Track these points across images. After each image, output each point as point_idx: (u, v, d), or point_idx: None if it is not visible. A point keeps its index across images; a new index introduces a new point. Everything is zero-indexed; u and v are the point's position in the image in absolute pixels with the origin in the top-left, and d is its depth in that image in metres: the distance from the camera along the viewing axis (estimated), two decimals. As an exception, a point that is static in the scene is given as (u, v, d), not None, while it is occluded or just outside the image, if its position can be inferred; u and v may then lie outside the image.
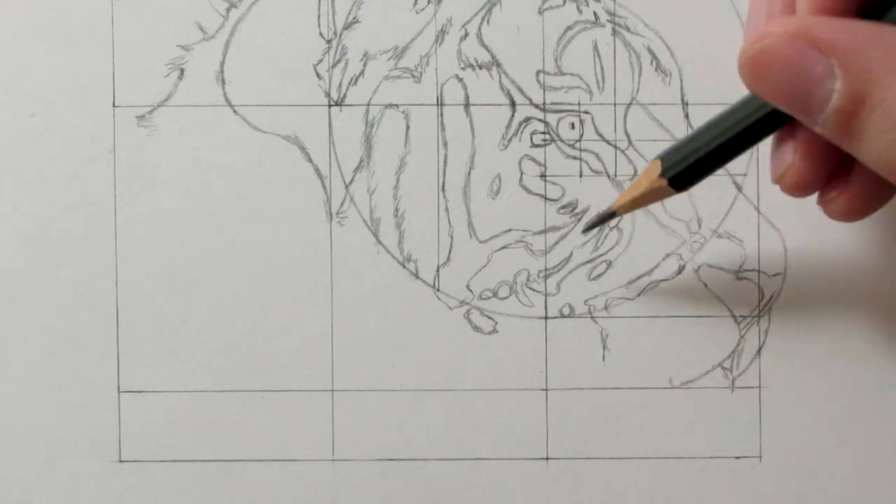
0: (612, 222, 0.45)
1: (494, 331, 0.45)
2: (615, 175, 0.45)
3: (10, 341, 0.45)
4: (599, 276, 0.45)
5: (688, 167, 0.39)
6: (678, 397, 0.45)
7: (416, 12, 0.45)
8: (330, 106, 0.45)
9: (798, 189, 0.39)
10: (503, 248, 0.45)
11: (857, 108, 0.35)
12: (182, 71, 0.45)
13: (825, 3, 0.37)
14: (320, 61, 0.45)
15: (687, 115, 0.44)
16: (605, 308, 0.45)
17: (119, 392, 0.45)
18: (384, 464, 0.45)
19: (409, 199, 0.45)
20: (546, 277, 0.45)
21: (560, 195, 0.45)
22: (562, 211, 0.45)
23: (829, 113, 0.35)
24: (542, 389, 0.45)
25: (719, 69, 0.44)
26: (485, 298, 0.45)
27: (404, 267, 0.45)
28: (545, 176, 0.45)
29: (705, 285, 0.45)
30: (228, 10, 0.45)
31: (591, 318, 0.45)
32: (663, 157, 0.40)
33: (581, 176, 0.45)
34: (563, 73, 0.45)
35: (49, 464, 0.45)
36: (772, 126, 0.39)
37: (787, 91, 0.36)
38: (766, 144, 0.40)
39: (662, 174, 0.40)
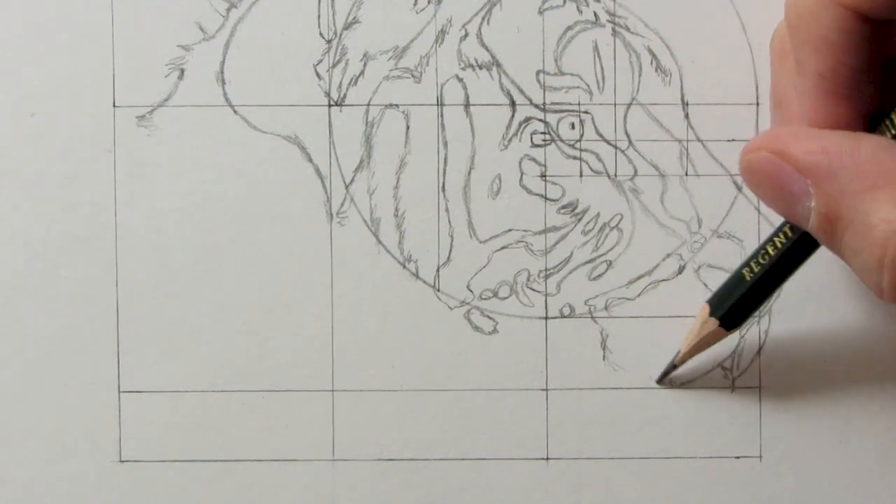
0: (613, 222, 0.45)
1: (494, 331, 0.45)
2: (615, 175, 0.45)
3: (10, 341, 0.45)
4: (599, 276, 0.45)
5: (733, 305, 0.41)
6: (678, 397, 0.45)
7: (416, 12, 0.45)
8: (330, 106, 0.45)
9: None
10: (503, 248, 0.45)
11: (831, 227, 0.36)
12: (182, 71, 0.45)
13: (823, 115, 0.37)
14: (320, 61, 0.45)
15: (687, 115, 0.44)
16: (605, 308, 0.45)
17: (119, 392, 0.45)
18: (384, 464, 0.45)
19: (409, 199, 0.45)
20: (546, 277, 0.45)
21: (560, 195, 0.45)
22: (562, 211, 0.45)
23: (810, 228, 0.37)
24: (542, 389, 0.45)
25: (719, 69, 0.44)
26: (485, 298, 0.45)
27: (404, 267, 0.45)
28: (545, 176, 0.45)
29: (705, 285, 0.45)
30: (228, 10, 0.45)
31: (591, 318, 0.45)
32: (711, 301, 0.42)
33: (581, 176, 0.45)
34: (563, 73, 0.45)
35: (49, 464, 0.45)
36: (805, 252, 0.40)
37: (775, 204, 0.38)
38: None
39: (712, 314, 0.42)
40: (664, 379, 0.44)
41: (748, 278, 0.41)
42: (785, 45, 0.39)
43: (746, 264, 0.41)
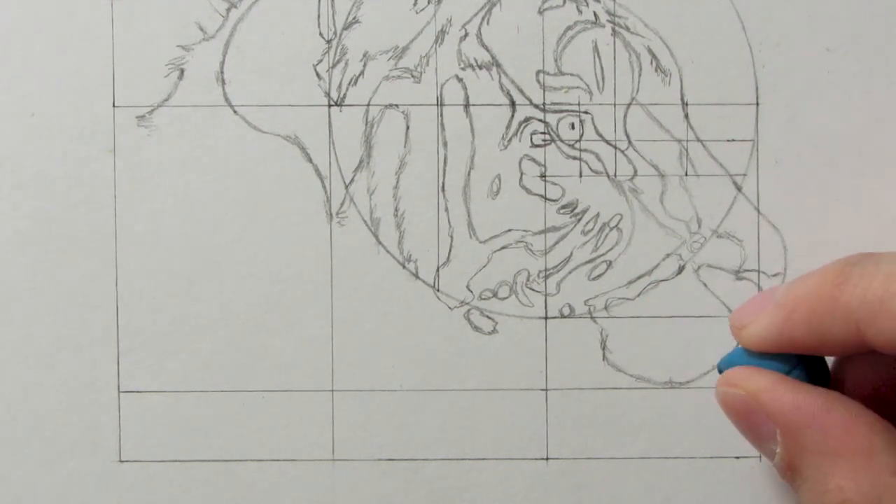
0: (613, 222, 0.45)
1: (494, 331, 0.45)
2: (615, 175, 0.45)
3: (10, 341, 0.45)
4: (599, 276, 0.45)
5: None
6: (678, 397, 0.45)
7: (416, 12, 0.45)
8: (330, 106, 0.45)
9: None
10: (503, 248, 0.45)
11: (791, 476, 0.37)
12: (182, 71, 0.45)
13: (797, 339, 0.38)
14: (320, 61, 0.45)
15: (687, 115, 0.44)
16: (605, 308, 0.45)
17: (119, 392, 0.45)
18: (384, 464, 0.45)
19: (409, 199, 0.45)
20: (546, 277, 0.45)
21: (560, 195, 0.45)
22: (562, 211, 0.45)
23: (775, 465, 0.38)
24: (542, 389, 0.45)
25: (719, 69, 0.44)
26: (485, 298, 0.45)
27: (404, 267, 0.45)
28: (545, 176, 0.45)
29: (705, 285, 0.45)
30: (228, 10, 0.45)
31: (591, 318, 0.45)
32: None
33: (581, 176, 0.45)
34: (563, 73, 0.45)
35: (49, 464, 0.45)
36: None
37: (745, 435, 0.39)
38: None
39: None
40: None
41: None
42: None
43: None
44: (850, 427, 0.36)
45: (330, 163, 0.45)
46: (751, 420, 0.38)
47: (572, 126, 0.45)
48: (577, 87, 0.45)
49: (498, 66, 0.45)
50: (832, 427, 0.36)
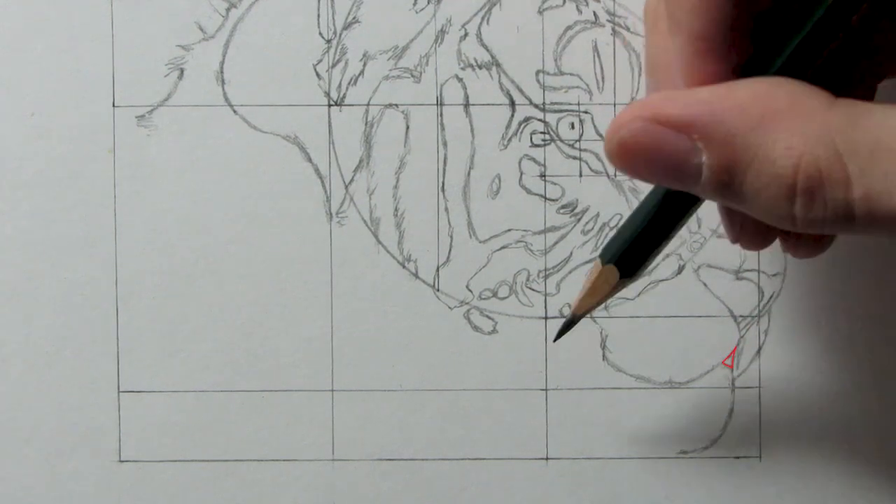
0: (612, 222, 0.45)
1: (494, 331, 0.45)
2: (615, 175, 0.45)
3: (10, 341, 0.45)
4: (599, 275, 0.45)
5: (628, 248, 0.37)
6: (678, 397, 0.45)
7: (416, 12, 0.45)
8: (330, 106, 0.45)
9: (756, 246, 0.40)
10: (503, 248, 0.45)
11: (729, 175, 0.34)
12: (182, 71, 0.45)
13: (698, 76, 0.36)
14: (320, 61, 0.45)
15: (687, 115, 0.44)
16: (605, 308, 0.45)
17: (119, 392, 0.45)
18: (384, 464, 0.45)
19: (409, 199, 0.45)
20: (546, 277, 0.45)
21: (560, 195, 0.45)
22: (562, 211, 0.45)
23: (704, 184, 0.34)
24: (542, 389, 0.45)
25: (719, 69, 0.44)
26: (485, 298, 0.45)
27: (404, 267, 0.45)
28: (545, 176, 0.45)
29: (705, 285, 0.45)
30: (228, 10, 0.45)
31: (591, 318, 0.45)
32: (602, 254, 0.38)
33: (581, 176, 0.45)
34: (562, 73, 0.45)
35: (49, 464, 0.45)
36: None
37: (658, 175, 0.35)
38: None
39: (609, 263, 0.38)
40: (562, 335, 0.41)
41: (639, 222, 0.37)
42: (658, 9, 0.38)
43: (638, 209, 0.38)
44: (759, 93, 0.33)
45: (330, 163, 0.45)
46: (661, 145, 0.34)
47: (572, 126, 0.45)
48: (577, 87, 0.45)
49: (498, 65, 0.45)
50: (745, 100, 0.33)
